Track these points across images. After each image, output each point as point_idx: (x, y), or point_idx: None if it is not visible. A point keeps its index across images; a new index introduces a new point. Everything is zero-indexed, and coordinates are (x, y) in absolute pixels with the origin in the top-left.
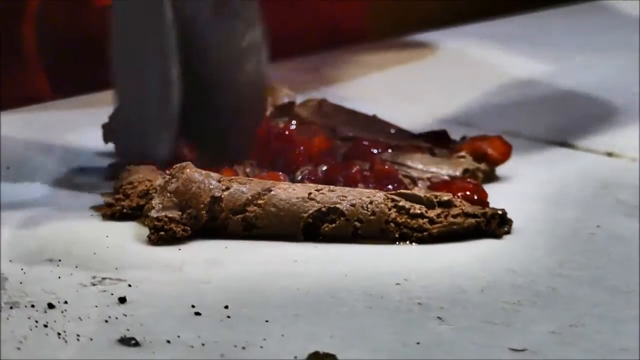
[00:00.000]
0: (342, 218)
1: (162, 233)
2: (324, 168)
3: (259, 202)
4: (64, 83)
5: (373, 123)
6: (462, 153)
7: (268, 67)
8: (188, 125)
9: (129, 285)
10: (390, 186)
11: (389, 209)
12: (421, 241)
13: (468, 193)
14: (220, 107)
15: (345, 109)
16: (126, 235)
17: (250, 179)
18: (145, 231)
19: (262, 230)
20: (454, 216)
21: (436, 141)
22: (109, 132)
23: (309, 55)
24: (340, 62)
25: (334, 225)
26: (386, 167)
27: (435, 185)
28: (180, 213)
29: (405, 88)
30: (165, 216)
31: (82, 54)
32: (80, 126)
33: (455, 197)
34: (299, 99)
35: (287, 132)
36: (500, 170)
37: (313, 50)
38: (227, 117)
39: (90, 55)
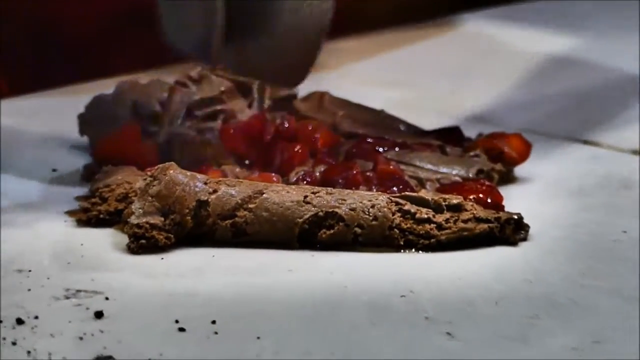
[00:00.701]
0: (341, 223)
1: (143, 241)
2: (322, 168)
3: (250, 206)
4: (22, 79)
5: (379, 118)
6: (477, 152)
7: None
8: (244, 41)
9: (106, 299)
10: (394, 188)
11: (393, 214)
12: (428, 249)
13: (481, 196)
14: (282, 24)
15: (349, 102)
16: (103, 243)
17: (240, 180)
18: (125, 239)
19: (253, 237)
20: (465, 221)
21: (448, 139)
22: (84, 123)
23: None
24: (342, 49)
25: (332, 231)
26: (391, 167)
27: (445, 187)
28: (162, 219)
29: (411, 77)
30: (147, 222)
31: (41, 49)
32: (55, 117)
33: (467, 200)
34: (300, 92)
35: (284, 128)
36: (518, 170)
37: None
38: (290, 35)
39: (50, 49)
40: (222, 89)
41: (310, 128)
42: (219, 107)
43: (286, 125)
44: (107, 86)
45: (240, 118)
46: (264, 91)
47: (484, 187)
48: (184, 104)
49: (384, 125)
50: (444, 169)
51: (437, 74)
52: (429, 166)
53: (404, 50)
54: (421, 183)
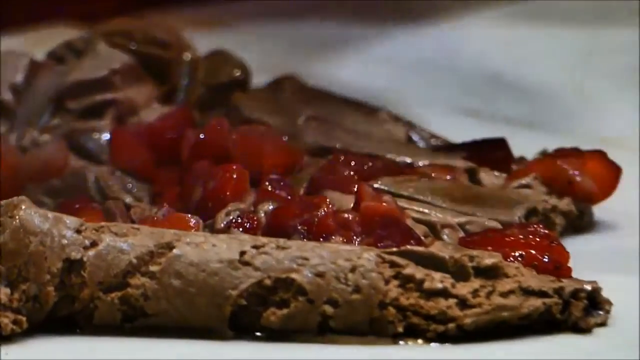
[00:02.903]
0: (300, 298)
1: None
2: (270, 206)
3: (152, 268)
4: None
5: (374, 123)
6: (529, 180)
7: None
8: None
9: None
10: (389, 240)
11: (387, 282)
12: (444, 339)
13: (533, 252)
14: None
15: (324, 95)
16: None
17: (136, 226)
18: None
19: (157, 319)
20: (505, 294)
21: (485, 157)
22: None
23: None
24: None
25: (285, 311)
26: (383, 203)
27: (474, 237)
28: (8, 291)
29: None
30: None
31: None
32: None
33: (509, 259)
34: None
35: (210, 139)
36: (597, 211)
37: None
38: None
39: None
40: (115, 66)
41: (252, 138)
42: (108, 97)
43: (217, 133)
44: None
45: (144, 117)
46: (195, 72)
47: (537, 239)
48: (52, 90)
49: (377, 133)
50: (471, 208)
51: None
52: (447, 203)
53: None
54: (433, 230)
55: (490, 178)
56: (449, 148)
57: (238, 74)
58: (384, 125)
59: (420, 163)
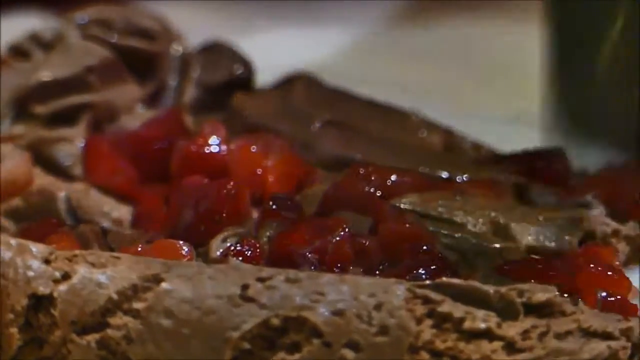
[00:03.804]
0: (315, 341)
1: None
2: (276, 230)
3: (136, 305)
4: None
5: (401, 126)
6: (589, 198)
7: None
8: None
9: None
10: (421, 269)
11: (419, 321)
12: None
13: (594, 286)
14: None
15: (341, 94)
16: None
17: (116, 254)
18: None
19: None
20: (561, 336)
21: (538, 170)
22: None
23: None
24: None
25: (297, 356)
26: (407, 225)
27: (521, 267)
28: None
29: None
30: None
31: None
32: None
33: (565, 294)
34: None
35: (205, 150)
36: None
37: None
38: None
39: None
40: (91, 62)
41: (253, 150)
42: (82, 99)
43: (211, 143)
44: None
45: (125, 123)
46: (187, 68)
47: (599, 269)
48: (13, 91)
49: (413, 144)
50: (518, 232)
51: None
52: (487, 227)
53: None
54: (466, 258)
55: (543, 196)
56: (496, 160)
57: (240, 71)
58: (416, 133)
59: (459, 178)
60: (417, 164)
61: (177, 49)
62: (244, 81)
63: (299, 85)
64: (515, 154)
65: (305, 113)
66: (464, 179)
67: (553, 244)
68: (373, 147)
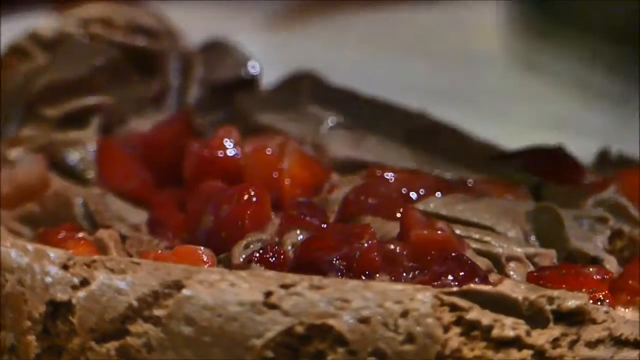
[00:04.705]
0: (339, 349)
1: None
2: (299, 237)
3: (156, 312)
4: None
5: (411, 126)
6: (609, 193)
7: None
8: None
9: None
10: (449, 275)
11: (446, 328)
12: None
13: (625, 294)
14: None
15: (349, 94)
16: None
17: (136, 260)
18: None
19: None
20: (592, 344)
21: (548, 170)
22: None
23: None
24: None
25: None
26: (438, 231)
27: (548, 273)
28: None
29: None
30: None
31: None
32: None
33: (595, 300)
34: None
35: (219, 154)
36: None
37: None
38: None
39: None
40: (99, 62)
41: (268, 153)
42: (91, 101)
43: (225, 147)
44: None
45: (134, 125)
46: (190, 68)
47: (630, 277)
48: (18, 92)
49: (423, 145)
50: (548, 235)
51: None
52: (515, 231)
53: None
54: (497, 264)
55: (560, 196)
56: (504, 159)
57: (245, 70)
58: (423, 133)
59: (473, 179)
60: (428, 165)
61: (179, 47)
62: (249, 81)
63: (304, 85)
64: (521, 153)
65: (313, 114)
66: (480, 180)
67: (577, 245)
68: (383, 148)
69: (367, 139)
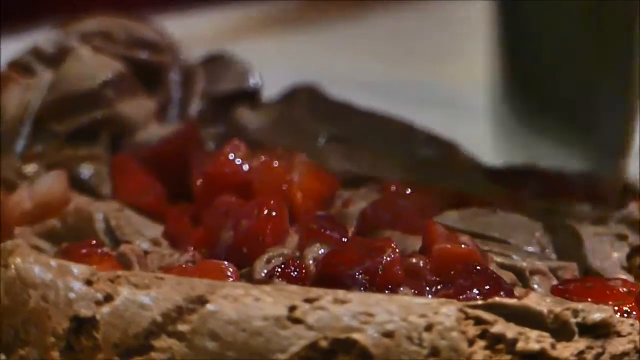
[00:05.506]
0: None
1: None
2: (321, 251)
3: (180, 328)
4: None
5: (406, 139)
6: (631, 209)
7: None
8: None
9: None
10: (475, 289)
11: (471, 342)
12: None
13: None
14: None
15: (345, 107)
16: None
17: (160, 275)
18: None
19: None
20: (617, 357)
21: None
22: None
23: None
24: None
25: None
26: (462, 245)
27: (569, 286)
28: (3, 357)
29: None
30: None
31: None
32: None
33: (622, 313)
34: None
35: (230, 166)
36: None
37: None
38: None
39: None
40: (107, 76)
41: (276, 166)
42: (99, 114)
43: (233, 161)
44: None
45: (142, 138)
46: (192, 81)
47: None
48: (28, 107)
49: (420, 157)
50: (570, 250)
51: None
52: (533, 247)
53: None
54: (522, 278)
55: (578, 212)
56: (501, 174)
57: (247, 82)
58: (420, 146)
59: (490, 193)
60: (429, 179)
61: (180, 60)
62: (250, 94)
63: (301, 98)
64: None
65: (309, 127)
66: (491, 194)
67: (601, 265)
68: (379, 162)
69: (362, 153)
